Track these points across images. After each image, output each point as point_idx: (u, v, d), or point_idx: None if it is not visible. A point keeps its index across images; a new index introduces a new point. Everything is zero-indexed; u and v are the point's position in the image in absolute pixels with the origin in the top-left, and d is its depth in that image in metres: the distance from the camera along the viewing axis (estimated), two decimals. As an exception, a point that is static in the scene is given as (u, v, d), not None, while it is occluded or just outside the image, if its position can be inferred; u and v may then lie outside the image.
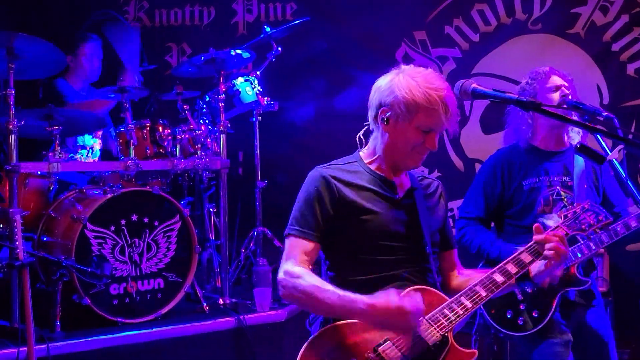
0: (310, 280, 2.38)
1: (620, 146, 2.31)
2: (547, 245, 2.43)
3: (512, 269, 2.43)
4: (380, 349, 2.31)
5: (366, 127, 2.62)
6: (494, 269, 2.45)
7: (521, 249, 2.49)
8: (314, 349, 2.35)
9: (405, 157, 2.50)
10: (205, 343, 4.14)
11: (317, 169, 2.56)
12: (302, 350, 2.34)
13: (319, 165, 2.58)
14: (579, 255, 3.35)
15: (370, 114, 2.55)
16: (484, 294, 2.40)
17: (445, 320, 2.36)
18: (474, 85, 2.18)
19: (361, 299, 2.29)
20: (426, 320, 2.36)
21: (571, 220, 2.56)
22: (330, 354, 2.33)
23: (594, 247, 3.35)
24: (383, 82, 2.50)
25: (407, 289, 2.41)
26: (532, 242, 2.48)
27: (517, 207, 3.53)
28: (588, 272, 3.50)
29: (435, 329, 2.34)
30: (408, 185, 2.59)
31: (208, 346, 4.16)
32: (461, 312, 2.37)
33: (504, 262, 2.45)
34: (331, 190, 2.48)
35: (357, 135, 2.67)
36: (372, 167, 2.57)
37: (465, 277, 2.67)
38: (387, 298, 2.26)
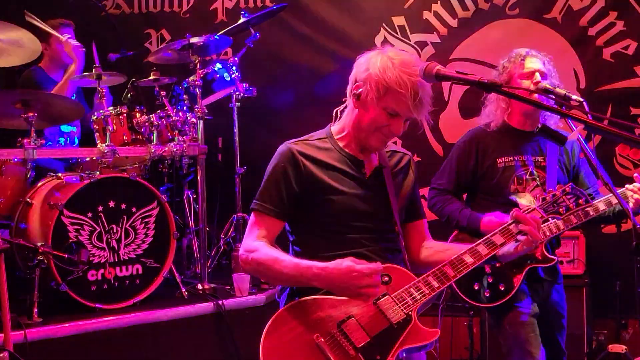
0: (265, 251, 2.44)
1: (581, 125, 2.34)
2: (522, 228, 2.41)
3: (482, 250, 2.44)
4: (343, 325, 2.34)
5: (345, 104, 2.60)
6: (465, 249, 2.45)
7: (495, 230, 2.48)
8: (279, 324, 2.38)
9: (368, 136, 2.49)
10: (184, 328, 4.16)
11: (286, 144, 2.56)
12: (267, 325, 2.37)
13: (288, 140, 2.57)
14: (548, 234, 3.42)
15: (350, 87, 2.53)
16: (452, 274, 2.41)
17: (410, 299, 2.38)
18: (437, 67, 2.20)
19: (315, 264, 2.35)
20: (391, 298, 2.38)
21: (549, 203, 2.56)
22: (295, 329, 2.35)
23: (562, 227, 3.42)
24: (363, 59, 2.50)
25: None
26: (507, 223, 2.47)
27: (491, 184, 3.59)
28: (554, 248, 3.61)
29: (399, 307, 2.37)
30: (376, 163, 2.58)
31: (187, 331, 4.18)
32: (427, 291, 2.39)
33: (476, 243, 2.45)
34: (297, 167, 2.49)
35: (335, 110, 2.66)
36: (342, 144, 2.57)
37: (434, 250, 2.66)
38: (340, 261, 2.32)
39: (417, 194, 2.71)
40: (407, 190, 2.64)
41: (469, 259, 2.43)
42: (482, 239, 2.46)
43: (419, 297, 2.39)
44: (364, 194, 2.52)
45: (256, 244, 2.47)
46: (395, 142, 5.47)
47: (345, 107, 2.61)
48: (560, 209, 2.57)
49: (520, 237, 2.43)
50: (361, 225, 2.50)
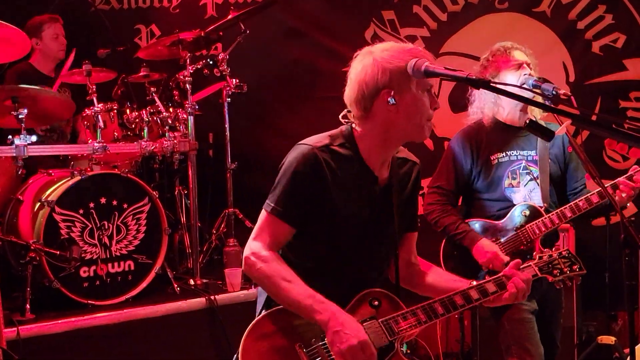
0: (277, 267, 2.33)
1: (569, 120, 2.35)
2: (512, 281, 2.44)
3: (474, 295, 2.43)
4: (328, 339, 2.28)
5: (347, 110, 2.46)
6: (458, 291, 2.43)
7: (488, 277, 2.51)
8: (261, 326, 2.34)
9: (420, 129, 2.39)
10: (176, 323, 4.18)
11: (312, 148, 2.37)
12: (250, 325, 2.34)
13: (307, 140, 2.41)
14: (543, 229, 3.44)
15: (364, 105, 2.37)
16: (440, 311, 2.39)
17: (397, 328, 2.35)
18: (425, 64, 2.21)
19: (333, 310, 2.27)
20: (378, 322, 2.35)
21: (545, 263, 2.56)
22: (278, 333, 2.32)
23: (557, 221, 3.43)
24: (364, 70, 2.36)
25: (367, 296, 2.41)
26: (501, 274, 2.47)
27: (485, 182, 3.60)
28: (553, 242, 3.61)
29: (385, 333, 2.34)
30: (385, 176, 2.48)
31: (179, 327, 4.19)
32: (414, 323, 2.37)
33: (469, 287, 2.45)
34: (320, 178, 2.35)
35: (340, 116, 2.51)
36: (364, 155, 2.42)
37: (436, 279, 2.61)
38: (359, 330, 2.25)
39: (417, 206, 2.65)
40: (410, 204, 2.58)
41: (459, 300, 2.42)
42: (475, 284, 2.46)
43: (405, 327, 2.36)
44: (371, 214, 2.44)
45: (267, 254, 2.34)
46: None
47: (348, 111, 2.46)
48: (555, 271, 2.57)
49: (510, 288, 2.44)
50: (359, 245, 2.44)
